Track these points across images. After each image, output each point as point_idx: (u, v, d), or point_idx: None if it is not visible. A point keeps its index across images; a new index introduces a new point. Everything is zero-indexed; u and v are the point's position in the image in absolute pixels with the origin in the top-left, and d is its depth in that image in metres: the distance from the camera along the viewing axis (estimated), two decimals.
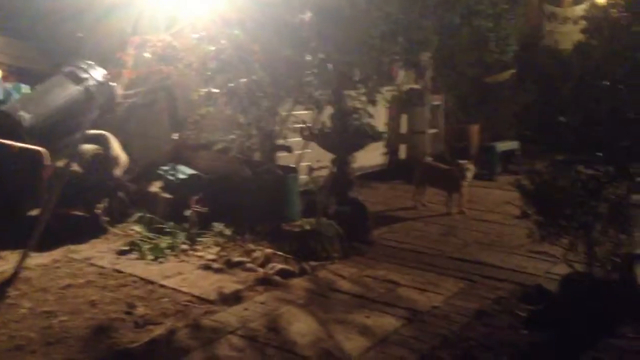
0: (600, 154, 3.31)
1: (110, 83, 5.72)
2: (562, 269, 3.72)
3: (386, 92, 7.00)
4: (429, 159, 6.94)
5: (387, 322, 3.52)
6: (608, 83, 3.17)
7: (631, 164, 3.10)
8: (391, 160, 7.98)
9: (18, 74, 5.89)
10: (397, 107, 7.99)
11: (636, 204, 3.25)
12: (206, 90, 5.12)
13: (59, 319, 3.45)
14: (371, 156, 7.35)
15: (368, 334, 3.36)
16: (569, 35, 3.72)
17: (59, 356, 3.02)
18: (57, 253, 4.64)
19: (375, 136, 5.68)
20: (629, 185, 3.21)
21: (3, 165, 5.20)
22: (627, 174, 3.14)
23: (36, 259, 4.43)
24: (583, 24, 3.57)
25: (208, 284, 4.07)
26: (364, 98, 5.45)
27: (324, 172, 5.44)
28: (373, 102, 5.61)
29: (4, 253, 4.56)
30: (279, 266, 4.33)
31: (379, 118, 7.23)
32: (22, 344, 3.12)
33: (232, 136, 5.42)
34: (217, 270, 4.34)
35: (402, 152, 8.24)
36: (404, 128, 8.23)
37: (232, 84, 5.04)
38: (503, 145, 8.24)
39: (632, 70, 3.06)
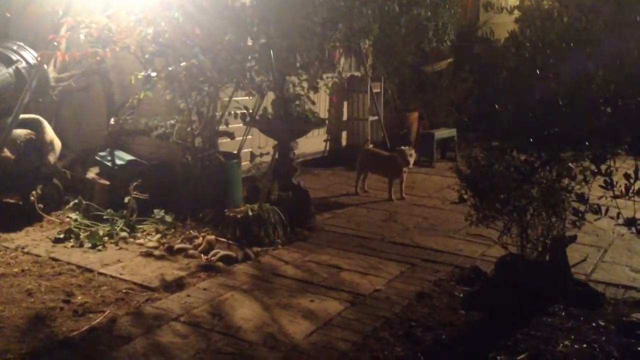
0: (533, 140, 3.45)
1: (43, 66, 5.50)
2: (497, 252, 3.87)
3: (327, 79, 7.06)
4: (370, 146, 7.04)
5: (330, 306, 3.58)
6: (539, 72, 3.29)
7: (562, 150, 3.25)
8: (332, 147, 8.06)
9: None
10: (338, 94, 8.05)
11: (566, 188, 3.41)
12: (144, 74, 5.00)
13: None
14: (313, 143, 7.41)
15: (312, 318, 3.41)
16: (504, 25, 3.85)
17: None
18: None
19: (317, 123, 5.72)
20: (560, 170, 3.37)
21: None
22: (558, 159, 3.29)
23: None
24: (517, 14, 3.69)
25: (149, 271, 4.01)
26: (305, 84, 5.47)
27: (267, 159, 5.43)
28: (315, 89, 5.65)
29: None
30: (222, 252, 4.32)
31: (321, 105, 7.29)
32: None
33: (172, 121, 5.32)
34: (159, 258, 4.29)
35: (343, 139, 8.33)
36: (345, 115, 8.31)
37: (172, 68, 4.94)
38: (441, 133, 8.44)
39: (562, 59, 3.20)
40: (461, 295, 3.76)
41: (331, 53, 6.80)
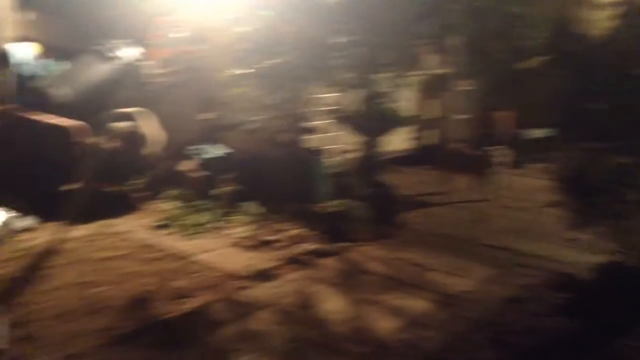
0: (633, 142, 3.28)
1: (142, 63, 5.81)
2: (594, 258, 3.72)
3: (415, 77, 6.99)
4: (457, 145, 6.92)
5: (417, 304, 3.56)
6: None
7: None
8: (419, 145, 7.98)
9: (55, 52, 5.98)
10: (426, 91, 7.97)
11: None
12: (235, 71, 5.16)
13: (98, 289, 3.56)
14: (399, 140, 7.36)
15: (399, 315, 3.41)
16: (597, 22, 3.67)
17: (99, 324, 3.12)
18: (93, 227, 4.77)
19: (403, 120, 5.70)
20: None
21: (39, 141, 5.34)
22: None
23: (75, 232, 4.56)
24: (611, 10, 3.52)
25: (240, 261, 4.15)
26: (392, 82, 5.45)
27: (352, 155, 5.47)
28: (402, 86, 5.62)
29: (44, 225, 4.70)
30: (310, 246, 4.40)
31: (408, 102, 7.24)
32: (65, 312, 3.23)
33: (261, 117, 5.47)
34: (249, 248, 4.43)
35: (431, 137, 8.23)
36: (432, 113, 8.21)
37: (263, 65, 5.08)
38: (533, 133, 8.16)
39: None
40: (554, 301, 3.63)
41: (419, 50, 6.74)
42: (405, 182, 6.66)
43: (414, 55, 6.40)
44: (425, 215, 5.56)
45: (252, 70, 5.07)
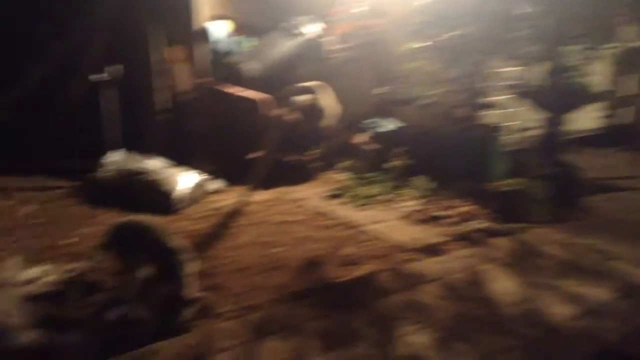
0: None
1: (323, 38, 6.02)
2: None
3: (610, 49, 6.39)
4: None
5: (598, 293, 3.32)
6: None
7: None
8: (610, 124, 7.30)
9: (246, 29, 6.43)
10: (621, 65, 7.24)
11: None
12: (412, 45, 5.13)
13: (276, 249, 3.82)
14: (587, 118, 6.80)
15: (576, 302, 3.20)
16: None
17: (275, 280, 3.36)
18: (274, 193, 5.11)
19: (593, 97, 5.26)
20: None
21: (229, 111, 5.81)
22: None
23: (257, 196, 4.92)
24: None
25: (409, 234, 4.18)
26: (583, 54, 5.03)
27: (532, 133, 5.18)
28: (593, 60, 5.17)
29: (232, 188, 5.14)
30: (481, 224, 4.29)
31: (600, 77, 6.64)
32: (247, 267, 3.52)
33: (437, 91, 5.39)
34: (418, 222, 4.44)
35: (624, 115, 7.48)
36: (628, 89, 7.45)
37: (441, 38, 4.98)
38: None
39: None
40: None
41: (616, 20, 6.13)
42: (591, 163, 6.15)
43: (610, 26, 5.85)
44: (611, 200, 5.11)
45: (429, 44, 5.01)
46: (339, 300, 3.15)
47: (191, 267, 2.92)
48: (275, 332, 2.78)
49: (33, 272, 3.13)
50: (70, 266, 3.25)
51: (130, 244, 3.00)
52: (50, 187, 4.80)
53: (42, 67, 5.45)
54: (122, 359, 2.51)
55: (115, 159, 5.02)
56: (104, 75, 5.12)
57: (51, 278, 3.11)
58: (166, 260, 2.88)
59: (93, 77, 5.13)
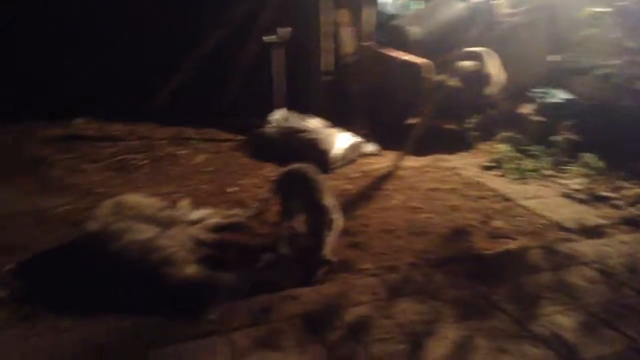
0: None
1: (493, 2, 5.75)
2: None
3: None
4: None
5: None
6: None
7: None
8: None
9: None
10: None
11: None
12: (591, 9, 4.71)
13: (423, 215, 3.83)
14: None
15: None
16: None
17: (419, 245, 3.38)
18: (427, 159, 5.07)
19: None
20: None
21: (390, 75, 5.83)
22: None
23: (409, 162, 4.93)
24: None
25: (567, 212, 3.94)
26: None
27: None
28: None
29: (386, 152, 5.20)
30: None
31: None
32: (392, 229, 3.58)
33: (617, 61, 4.92)
34: (580, 201, 4.16)
35: None
36: None
37: (622, 3, 4.51)
38: None
39: None
40: None
41: None
42: None
43: None
44: None
45: (609, 10, 4.57)
46: (481, 272, 3.09)
47: (337, 226, 3.05)
48: (411, 295, 2.82)
49: (200, 213, 3.49)
50: (232, 211, 3.58)
51: (292, 191, 3.22)
52: (221, 140, 5.23)
53: (220, 29, 5.89)
54: (266, 299, 2.72)
55: (280, 116, 5.32)
56: (274, 37, 5.40)
57: (215, 220, 3.46)
58: (316, 215, 3.04)
59: (266, 39, 5.43)
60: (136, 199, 3.40)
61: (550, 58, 5.90)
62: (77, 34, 5.58)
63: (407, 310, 2.69)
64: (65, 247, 3.14)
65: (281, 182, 3.35)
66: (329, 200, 3.07)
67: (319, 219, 3.01)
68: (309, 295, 2.77)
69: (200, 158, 4.73)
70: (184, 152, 4.80)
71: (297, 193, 3.17)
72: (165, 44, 5.67)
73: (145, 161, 4.56)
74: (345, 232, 3.47)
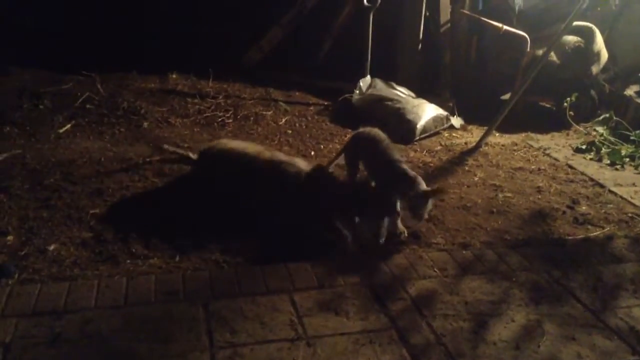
0: None
1: None
2: None
3: None
4: None
5: None
6: None
7: None
8: None
9: None
10: None
11: None
12: None
13: (504, 194, 3.70)
14: None
15: None
16: None
17: (497, 224, 3.28)
18: (516, 137, 4.88)
19: None
20: None
21: (488, 46, 5.60)
22: None
23: (497, 139, 4.76)
24: None
25: None
26: None
27: None
28: None
29: (471, 127, 5.04)
30: None
31: None
32: (469, 206, 3.49)
33: None
34: None
35: None
36: None
37: None
38: None
39: None
40: None
41: None
42: None
43: None
44: None
45: None
46: (559, 257, 2.96)
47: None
48: (481, 274, 2.75)
49: None
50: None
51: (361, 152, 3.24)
52: (308, 103, 5.25)
53: None
54: (331, 263, 2.74)
55: (368, 83, 5.26)
56: (365, 2, 5.29)
57: None
58: (388, 172, 3.03)
59: (365, 3, 5.32)
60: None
61: None
62: None
63: (476, 288, 2.63)
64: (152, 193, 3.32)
65: (351, 143, 3.38)
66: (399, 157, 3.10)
67: (392, 176, 2.99)
68: (376, 264, 2.76)
69: (285, 120, 4.78)
70: (269, 113, 4.87)
71: (366, 153, 3.21)
72: (260, 2, 5.73)
73: (231, 119, 4.66)
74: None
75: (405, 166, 3.04)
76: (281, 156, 3.31)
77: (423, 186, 2.89)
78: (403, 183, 2.91)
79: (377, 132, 3.28)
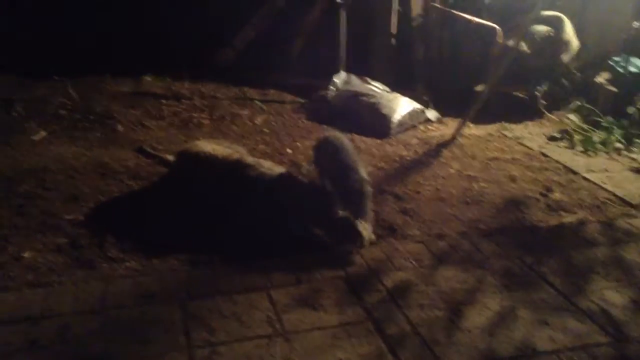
0: None
1: None
2: None
3: None
4: None
5: None
6: None
7: None
8: None
9: None
10: None
11: None
12: None
13: (479, 184, 3.74)
14: None
15: None
16: None
17: (472, 214, 3.32)
18: (490, 128, 4.94)
19: None
20: None
21: (460, 39, 5.65)
22: None
23: (471, 130, 4.81)
24: None
25: (633, 188, 3.75)
26: None
27: None
28: None
29: (448, 120, 5.09)
30: None
31: None
32: (444, 197, 3.52)
33: None
34: None
35: None
36: None
37: None
38: None
39: None
40: None
41: None
42: None
43: None
44: None
45: None
46: (533, 244, 3.01)
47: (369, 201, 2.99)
48: (456, 263, 2.79)
49: None
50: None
51: (327, 159, 3.23)
52: (283, 101, 5.26)
53: None
54: (308, 258, 2.76)
55: (342, 79, 5.28)
56: None
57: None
58: (349, 185, 3.01)
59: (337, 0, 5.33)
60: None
61: (636, 24, 5.54)
62: None
63: (451, 278, 2.67)
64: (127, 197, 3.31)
65: (318, 150, 3.38)
66: (362, 173, 3.07)
67: (355, 187, 2.98)
68: (352, 258, 2.79)
69: (261, 119, 4.79)
70: (245, 112, 4.87)
71: (331, 161, 3.19)
72: (231, 1, 5.73)
73: (207, 120, 4.66)
74: (396, 197, 3.47)
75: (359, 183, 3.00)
76: (248, 159, 3.29)
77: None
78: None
79: (342, 139, 3.29)
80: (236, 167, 3.19)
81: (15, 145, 3.96)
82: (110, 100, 4.72)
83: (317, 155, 3.37)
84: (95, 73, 5.19)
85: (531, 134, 4.83)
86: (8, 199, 3.20)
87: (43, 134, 4.15)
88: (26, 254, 2.70)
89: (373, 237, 2.93)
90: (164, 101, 4.91)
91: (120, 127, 4.34)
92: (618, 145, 4.44)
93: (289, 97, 5.37)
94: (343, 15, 5.34)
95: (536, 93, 5.19)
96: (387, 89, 5.17)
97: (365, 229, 2.82)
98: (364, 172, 3.08)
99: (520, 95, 5.52)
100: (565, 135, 4.68)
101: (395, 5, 5.66)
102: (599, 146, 4.45)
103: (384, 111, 4.75)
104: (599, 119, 4.76)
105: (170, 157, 3.71)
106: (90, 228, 2.95)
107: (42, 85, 4.90)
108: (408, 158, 4.17)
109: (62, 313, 2.30)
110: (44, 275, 2.56)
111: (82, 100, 4.64)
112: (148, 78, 5.31)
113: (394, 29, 5.70)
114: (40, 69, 5.04)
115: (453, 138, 4.56)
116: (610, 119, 4.69)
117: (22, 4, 5.44)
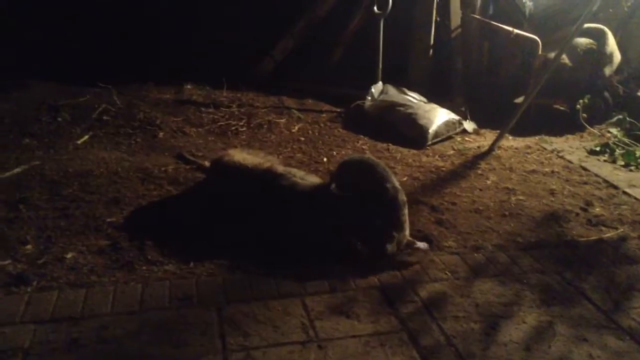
0: None
1: None
2: None
3: None
4: None
5: None
6: None
7: None
8: None
9: None
10: None
11: None
12: None
13: (517, 197, 3.70)
14: None
15: None
16: None
17: (509, 227, 3.28)
18: (530, 140, 4.88)
19: None
20: None
21: (499, 49, 5.61)
22: None
23: (510, 142, 4.77)
24: None
25: None
26: None
27: None
28: None
29: (484, 131, 5.04)
30: None
31: None
32: (481, 209, 3.49)
33: None
34: None
35: None
36: None
37: None
38: None
39: None
40: None
41: None
42: None
43: None
44: None
45: None
46: (571, 259, 2.96)
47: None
48: (493, 276, 2.76)
49: None
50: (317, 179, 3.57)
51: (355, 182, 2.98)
52: (320, 111, 5.30)
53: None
54: (343, 268, 2.76)
55: (379, 89, 5.30)
56: (375, 10, 5.34)
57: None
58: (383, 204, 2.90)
59: (376, 11, 5.35)
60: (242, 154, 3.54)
61: None
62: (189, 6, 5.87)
63: (487, 291, 2.64)
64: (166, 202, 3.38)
65: (339, 174, 3.04)
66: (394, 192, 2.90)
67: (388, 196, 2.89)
68: (388, 268, 2.78)
69: (298, 127, 4.83)
70: (282, 120, 4.92)
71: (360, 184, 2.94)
72: (272, 11, 5.81)
73: (244, 128, 4.72)
74: (432, 208, 3.45)
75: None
76: (279, 168, 3.30)
77: None
78: None
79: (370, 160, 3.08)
80: (266, 177, 3.21)
81: (60, 149, 4.09)
82: (152, 108, 4.83)
83: (339, 181, 3.00)
84: (139, 81, 5.33)
85: (571, 147, 4.76)
86: (53, 201, 3.30)
87: (87, 139, 4.27)
88: (69, 255, 2.77)
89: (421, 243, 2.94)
90: (203, 109, 4.99)
91: (161, 134, 4.44)
92: None
93: (326, 106, 5.40)
94: (382, 26, 5.35)
95: (577, 106, 5.10)
96: (425, 99, 5.16)
97: (392, 242, 2.79)
98: (395, 181, 3.03)
99: (561, 108, 5.45)
100: (606, 149, 4.59)
101: (434, 16, 5.65)
102: None
103: (421, 122, 4.74)
104: None
105: (207, 164, 3.77)
106: (131, 231, 3.01)
107: (87, 92, 5.04)
108: (444, 169, 4.15)
109: (102, 313, 2.36)
110: (85, 276, 2.63)
111: (126, 107, 4.76)
112: (189, 86, 5.42)
113: (432, 39, 5.69)
114: (87, 76, 5.20)
115: (490, 150, 4.52)
116: None
117: (74, 16, 5.61)
